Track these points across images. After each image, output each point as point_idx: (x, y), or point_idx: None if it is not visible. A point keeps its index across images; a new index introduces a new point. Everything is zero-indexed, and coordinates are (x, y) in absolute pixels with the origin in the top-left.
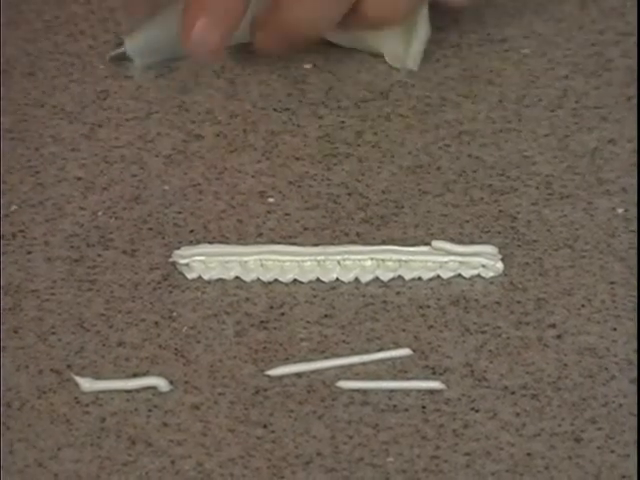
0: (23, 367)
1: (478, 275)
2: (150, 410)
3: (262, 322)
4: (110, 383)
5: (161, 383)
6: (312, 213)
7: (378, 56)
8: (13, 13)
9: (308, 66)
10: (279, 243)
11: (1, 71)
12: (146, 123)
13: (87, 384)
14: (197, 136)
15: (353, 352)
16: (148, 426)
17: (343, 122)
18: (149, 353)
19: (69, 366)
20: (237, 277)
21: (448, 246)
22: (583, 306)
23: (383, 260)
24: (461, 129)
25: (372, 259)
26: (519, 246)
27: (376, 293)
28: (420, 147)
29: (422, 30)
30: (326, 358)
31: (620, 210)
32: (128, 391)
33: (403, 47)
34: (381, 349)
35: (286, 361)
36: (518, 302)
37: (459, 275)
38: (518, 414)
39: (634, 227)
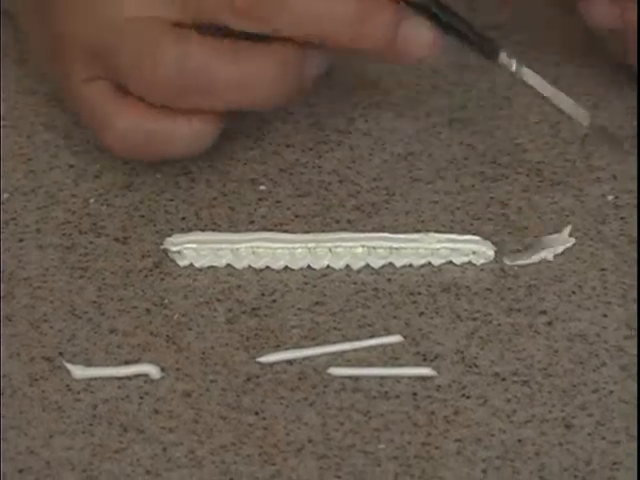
0: (15, 354)
1: (469, 262)
2: (142, 397)
3: (253, 309)
4: (102, 370)
5: (153, 370)
6: (303, 200)
7: None
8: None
9: None
10: (270, 230)
11: None
12: None
13: (79, 371)
14: None
15: (344, 339)
16: (140, 413)
17: (334, 109)
18: (141, 340)
19: (61, 353)
20: (228, 264)
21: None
22: (574, 293)
23: (374, 247)
24: (452, 117)
25: (363, 246)
26: (510, 233)
27: (367, 280)
28: (411, 134)
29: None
30: (317, 345)
31: (610, 197)
32: (120, 378)
33: None
34: (372, 336)
35: (277, 348)
36: (509, 289)
37: (450, 262)
38: (509, 400)
39: (624, 214)
